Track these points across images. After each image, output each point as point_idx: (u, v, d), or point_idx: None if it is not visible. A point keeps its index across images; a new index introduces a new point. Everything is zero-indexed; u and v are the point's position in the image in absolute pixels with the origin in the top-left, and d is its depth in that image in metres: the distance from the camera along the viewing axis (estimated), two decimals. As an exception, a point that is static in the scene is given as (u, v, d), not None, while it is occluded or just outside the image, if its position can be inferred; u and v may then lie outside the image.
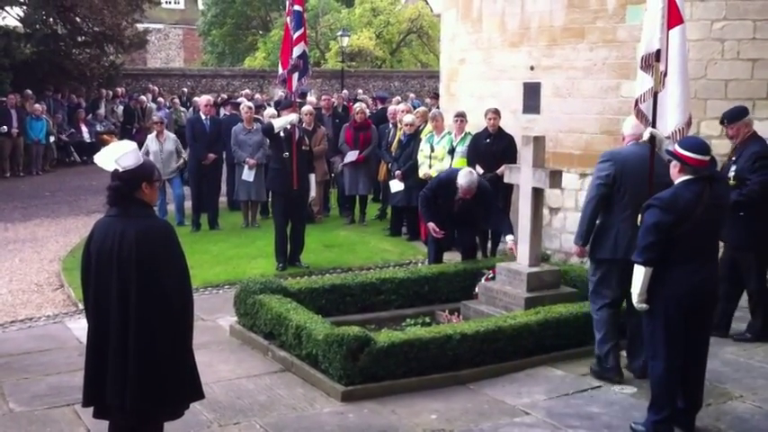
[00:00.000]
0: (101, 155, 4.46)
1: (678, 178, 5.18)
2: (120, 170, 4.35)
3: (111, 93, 24.24)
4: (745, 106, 7.69)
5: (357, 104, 13.96)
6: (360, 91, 26.70)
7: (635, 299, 5.20)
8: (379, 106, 16.69)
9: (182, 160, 12.76)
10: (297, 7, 10.41)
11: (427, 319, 7.72)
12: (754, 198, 7.11)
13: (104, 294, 4.37)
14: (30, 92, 20.57)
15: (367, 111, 14.03)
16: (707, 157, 5.14)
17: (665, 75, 6.16)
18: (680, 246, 5.04)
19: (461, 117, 10.91)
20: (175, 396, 4.48)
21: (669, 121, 6.20)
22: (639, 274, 5.13)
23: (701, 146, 5.21)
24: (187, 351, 4.51)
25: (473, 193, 8.36)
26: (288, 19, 10.52)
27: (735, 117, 7.39)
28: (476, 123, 10.94)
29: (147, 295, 4.29)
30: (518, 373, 6.49)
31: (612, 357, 6.34)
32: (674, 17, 6.19)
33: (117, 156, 4.36)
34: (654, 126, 6.17)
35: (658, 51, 6.16)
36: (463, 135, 10.86)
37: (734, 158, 7.38)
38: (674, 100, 6.16)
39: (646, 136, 6.15)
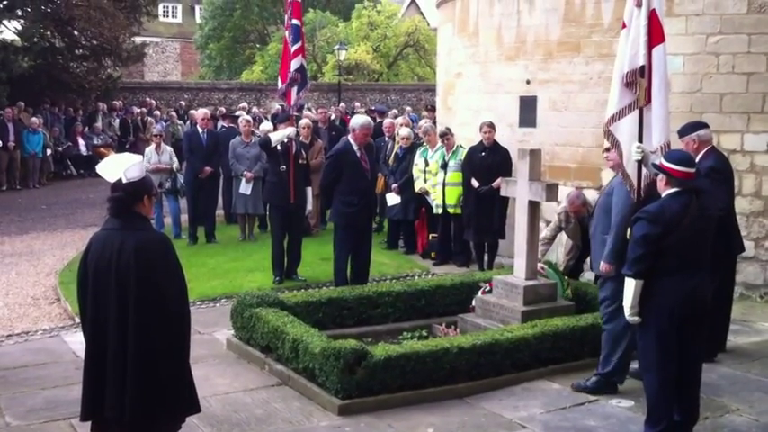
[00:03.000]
0: (104, 165, 4.48)
1: (665, 191, 5.22)
2: (125, 181, 4.37)
3: (105, 106, 24.21)
4: (702, 121, 7.42)
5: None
6: (357, 104, 26.75)
7: (627, 312, 5.21)
8: (377, 120, 16.72)
9: (168, 182, 12.67)
10: (295, 21, 10.45)
11: (424, 333, 7.71)
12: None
13: (102, 307, 4.37)
14: (22, 104, 20.60)
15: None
16: (692, 170, 5.19)
17: (650, 91, 6.21)
18: (669, 257, 5.06)
19: (446, 135, 11.02)
20: (173, 409, 4.47)
21: (654, 137, 6.25)
22: (630, 287, 5.14)
23: (686, 159, 5.27)
24: (185, 364, 4.52)
25: (371, 133, 9.34)
26: (287, 33, 10.55)
27: (684, 131, 7.07)
28: (473, 137, 10.98)
29: (145, 308, 4.29)
30: (515, 387, 6.49)
31: (622, 372, 6.42)
32: (656, 35, 6.24)
33: (124, 167, 4.38)
34: (640, 141, 6.21)
35: (642, 67, 6.21)
36: (454, 149, 10.92)
37: None
38: (658, 116, 6.21)
39: (634, 151, 6.17)
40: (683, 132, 7.07)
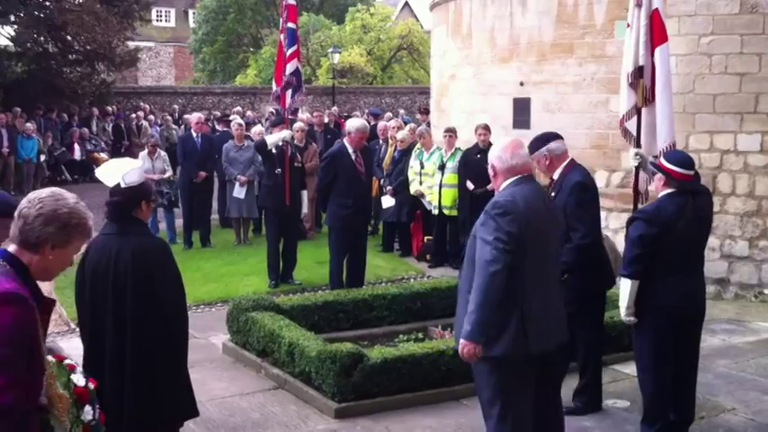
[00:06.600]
0: (103, 170, 4.49)
1: (662, 191, 5.22)
2: (124, 186, 4.37)
3: (97, 110, 24.16)
4: (553, 132, 6.00)
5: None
6: (357, 113, 26.72)
7: (623, 312, 5.22)
8: (372, 122, 16.72)
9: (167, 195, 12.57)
10: (290, 24, 10.43)
11: (420, 335, 7.70)
12: (581, 259, 5.61)
13: (100, 312, 4.37)
14: (18, 109, 20.57)
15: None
16: (691, 172, 5.19)
17: (653, 91, 6.22)
18: (665, 258, 5.06)
19: (451, 132, 10.98)
20: (171, 413, 4.47)
21: (660, 137, 6.25)
22: (626, 288, 5.14)
23: (686, 160, 5.26)
24: (182, 368, 4.52)
25: (366, 136, 9.27)
26: (282, 36, 10.54)
27: (533, 146, 5.71)
28: (466, 139, 11.00)
29: (143, 313, 4.29)
30: (511, 388, 6.48)
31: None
32: (659, 35, 6.25)
33: (124, 172, 4.39)
34: (639, 141, 6.22)
35: (641, 68, 6.23)
36: (453, 151, 10.92)
37: (553, 193, 5.73)
38: (663, 116, 6.21)
39: (632, 157, 6.17)
40: (532, 148, 5.63)
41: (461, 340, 4.23)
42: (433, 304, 8.16)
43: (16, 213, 2.93)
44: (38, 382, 2.81)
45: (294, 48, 10.35)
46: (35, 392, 2.79)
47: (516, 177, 4.41)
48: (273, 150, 9.92)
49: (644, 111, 6.42)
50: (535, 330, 4.27)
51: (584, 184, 5.73)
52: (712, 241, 8.72)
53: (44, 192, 3.00)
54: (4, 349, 2.65)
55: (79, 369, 3.21)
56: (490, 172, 4.55)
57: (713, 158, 9.32)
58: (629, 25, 6.47)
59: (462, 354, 4.24)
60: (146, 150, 12.85)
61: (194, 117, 13.69)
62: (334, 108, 23.72)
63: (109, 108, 24.93)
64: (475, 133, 10.51)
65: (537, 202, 4.38)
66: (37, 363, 2.78)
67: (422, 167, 11.21)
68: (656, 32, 6.31)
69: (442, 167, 10.91)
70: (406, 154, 11.72)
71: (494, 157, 4.51)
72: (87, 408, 3.15)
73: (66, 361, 3.19)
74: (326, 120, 15.66)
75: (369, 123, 16.71)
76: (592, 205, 5.81)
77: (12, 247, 2.92)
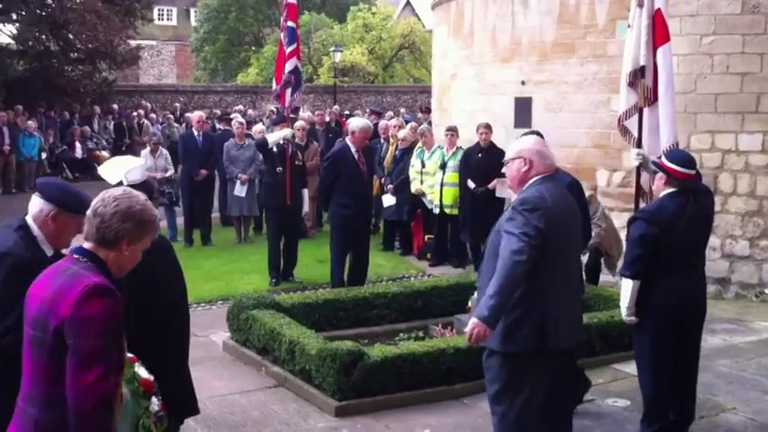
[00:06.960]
0: (106, 167, 4.51)
1: (663, 190, 5.21)
2: (126, 184, 4.38)
3: (98, 108, 24.16)
4: (536, 131, 6.14)
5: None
6: (358, 112, 26.70)
7: (623, 312, 5.21)
8: (374, 121, 16.69)
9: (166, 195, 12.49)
10: (290, 23, 10.46)
11: (420, 334, 7.71)
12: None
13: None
14: (20, 107, 20.58)
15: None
16: (692, 171, 5.18)
17: (655, 91, 6.22)
18: (666, 257, 5.05)
19: (452, 131, 10.98)
20: (172, 411, 4.47)
21: (663, 137, 6.24)
22: (627, 288, 5.13)
23: (687, 160, 5.25)
24: (183, 366, 4.52)
25: (370, 136, 9.39)
26: (282, 35, 10.57)
27: None
28: (468, 138, 11.00)
29: (145, 310, 4.29)
30: (511, 387, 6.48)
31: None
32: (662, 35, 6.25)
33: (126, 169, 4.41)
34: (640, 141, 6.21)
35: (643, 68, 6.22)
36: (455, 150, 10.92)
37: None
38: (666, 116, 6.21)
39: (633, 156, 6.17)
40: None
41: (473, 319, 4.13)
42: (433, 303, 8.17)
43: (90, 212, 3.03)
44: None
45: (293, 46, 10.38)
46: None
47: (541, 176, 4.37)
48: (274, 149, 9.92)
49: (646, 111, 6.41)
50: (554, 328, 4.24)
51: (579, 185, 5.76)
52: (713, 241, 8.72)
53: (116, 190, 3.10)
54: (99, 339, 2.78)
55: (139, 362, 3.26)
56: (524, 166, 4.41)
57: (714, 158, 9.32)
58: (629, 25, 6.47)
59: (471, 333, 4.13)
60: (148, 148, 12.86)
61: (195, 115, 13.69)
62: (336, 107, 23.75)
63: (114, 106, 24.90)
64: (476, 132, 10.51)
65: (561, 200, 4.35)
66: (120, 355, 2.92)
67: (423, 166, 11.21)
68: (659, 33, 6.31)
69: (443, 166, 10.92)
70: (407, 153, 11.72)
71: (532, 151, 4.39)
72: (154, 399, 3.22)
73: (127, 354, 3.23)
74: (328, 118, 15.66)
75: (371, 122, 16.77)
76: (585, 206, 5.83)
77: (87, 244, 3.01)
